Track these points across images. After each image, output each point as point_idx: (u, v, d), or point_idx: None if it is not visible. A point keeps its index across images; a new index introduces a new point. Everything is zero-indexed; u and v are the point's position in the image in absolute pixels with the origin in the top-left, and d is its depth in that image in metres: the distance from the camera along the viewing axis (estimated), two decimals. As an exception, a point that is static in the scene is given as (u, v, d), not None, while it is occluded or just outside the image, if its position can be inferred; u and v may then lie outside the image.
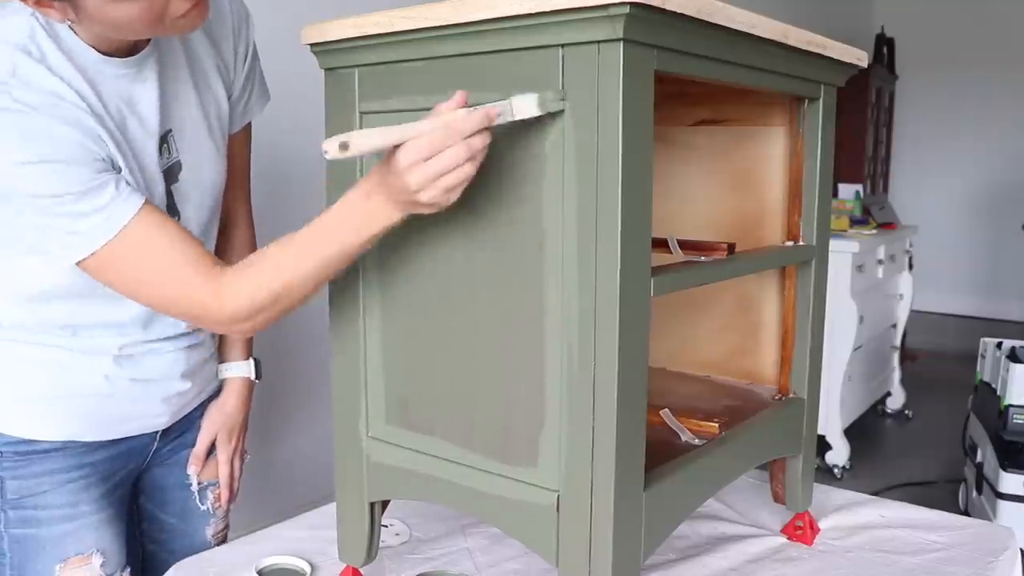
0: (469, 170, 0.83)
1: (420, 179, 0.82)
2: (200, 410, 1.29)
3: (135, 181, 1.01)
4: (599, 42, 0.77)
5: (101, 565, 1.13)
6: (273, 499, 2.13)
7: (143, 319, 1.12)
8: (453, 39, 0.87)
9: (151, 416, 1.18)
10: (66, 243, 0.94)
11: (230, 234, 1.31)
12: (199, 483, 1.29)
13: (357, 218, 0.90)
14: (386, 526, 1.26)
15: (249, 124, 1.26)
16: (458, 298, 0.93)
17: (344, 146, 0.80)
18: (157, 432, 1.21)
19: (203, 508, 1.30)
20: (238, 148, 1.25)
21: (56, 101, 0.93)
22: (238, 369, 1.30)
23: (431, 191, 0.83)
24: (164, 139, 1.07)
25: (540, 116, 0.82)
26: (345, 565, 1.11)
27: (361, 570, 1.11)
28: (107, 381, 1.12)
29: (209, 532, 1.32)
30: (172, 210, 1.10)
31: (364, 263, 1.01)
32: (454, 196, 0.85)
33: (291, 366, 2.23)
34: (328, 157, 0.81)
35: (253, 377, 1.32)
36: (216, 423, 1.29)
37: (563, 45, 0.80)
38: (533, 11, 0.78)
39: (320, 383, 2.25)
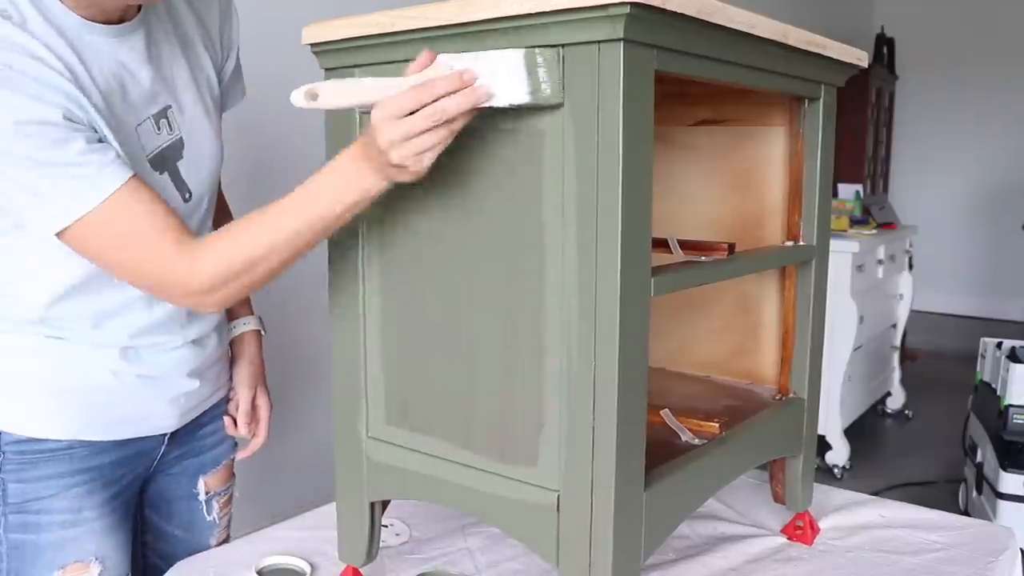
0: (444, 134, 0.82)
1: (392, 135, 0.81)
2: (209, 416, 1.27)
3: (121, 151, 0.98)
4: (599, 42, 0.77)
5: (100, 574, 1.11)
6: (273, 499, 2.13)
7: (139, 308, 1.10)
8: (454, 39, 0.87)
9: (158, 417, 1.16)
10: (46, 210, 0.92)
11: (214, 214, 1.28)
12: (206, 493, 1.28)
13: (334, 185, 0.90)
14: (386, 526, 1.26)
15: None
16: (458, 298, 0.93)
17: (312, 96, 0.80)
18: (164, 436, 1.20)
19: (209, 519, 1.29)
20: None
21: (37, 65, 0.91)
22: (250, 323, 1.33)
23: (402, 150, 0.82)
24: (164, 114, 1.06)
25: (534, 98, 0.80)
26: (345, 565, 1.11)
27: (361, 570, 1.11)
28: (114, 376, 1.10)
29: (213, 542, 1.31)
30: (182, 187, 1.09)
31: (364, 263, 1.01)
32: (427, 160, 0.84)
33: (291, 366, 2.23)
34: (297, 105, 0.80)
35: (263, 331, 1.35)
36: (251, 376, 1.30)
37: (563, 45, 0.80)
38: (534, 11, 0.78)
39: (320, 383, 2.25)
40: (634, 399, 0.84)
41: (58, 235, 0.94)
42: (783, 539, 1.24)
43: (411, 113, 0.81)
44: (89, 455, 1.10)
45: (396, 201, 0.97)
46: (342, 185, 0.89)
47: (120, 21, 1.01)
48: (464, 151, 0.90)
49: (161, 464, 1.23)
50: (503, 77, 0.80)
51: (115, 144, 0.97)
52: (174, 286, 0.98)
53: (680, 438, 1.06)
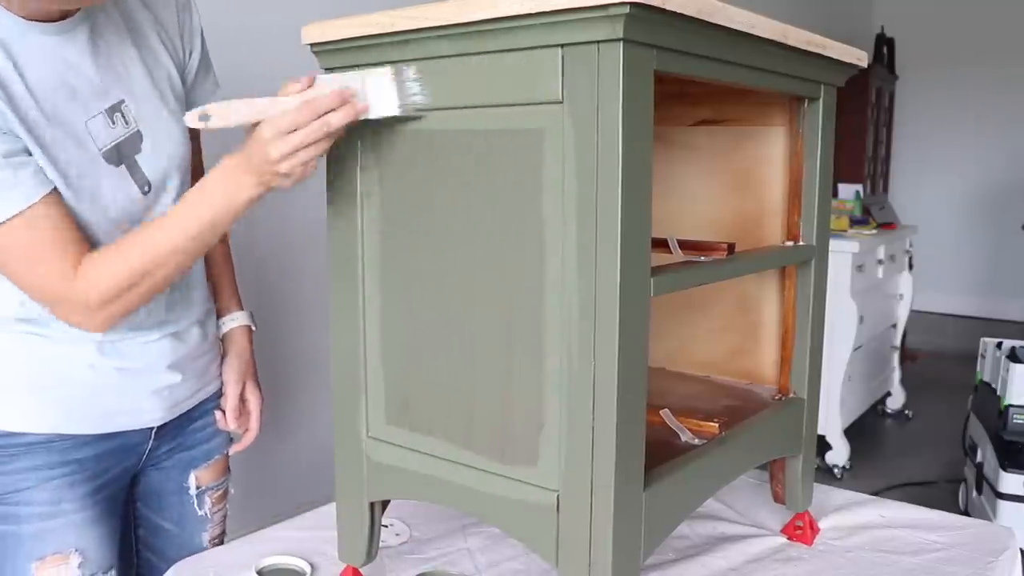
0: (325, 146, 0.93)
1: (282, 150, 0.90)
2: (200, 411, 1.28)
3: (61, 151, 1.01)
4: (599, 42, 0.77)
5: (79, 565, 1.12)
6: (273, 499, 2.13)
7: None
8: (454, 39, 0.87)
9: (142, 411, 1.17)
10: None
11: None
12: (197, 487, 1.29)
13: (220, 194, 0.98)
14: (386, 526, 1.26)
15: None
16: (458, 298, 0.93)
17: (204, 117, 0.86)
18: (151, 429, 1.20)
19: (201, 513, 1.30)
20: (193, 133, 1.23)
21: None
22: (237, 318, 1.34)
23: (290, 162, 0.91)
24: (117, 108, 1.07)
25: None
26: (345, 565, 1.11)
27: (361, 570, 1.11)
28: (92, 371, 1.11)
29: (206, 537, 1.31)
30: (140, 180, 1.10)
31: (364, 262, 1.01)
32: (310, 170, 0.94)
33: (291, 366, 2.23)
34: (189, 125, 0.88)
35: (254, 326, 1.36)
36: (238, 370, 1.31)
37: (563, 45, 0.80)
38: (533, 11, 0.78)
39: (320, 383, 2.25)
40: (634, 399, 0.84)
41: None
42: (783, 539, 1.24)
43: (296, 129, 0.90)
44: (70, 448, 1.11)
45: (396, 201, 0.97)
46: (225, 198, 0.98)
47: (62, 18, 1.02)
48: (464, 151, 0.90)
49: (151, 458, 1.23)
50: (376, 92, 0.92)
51: (49, 149, 0.99)
52: (71, 303, 1.02)
53: (680, 438, 1.06)
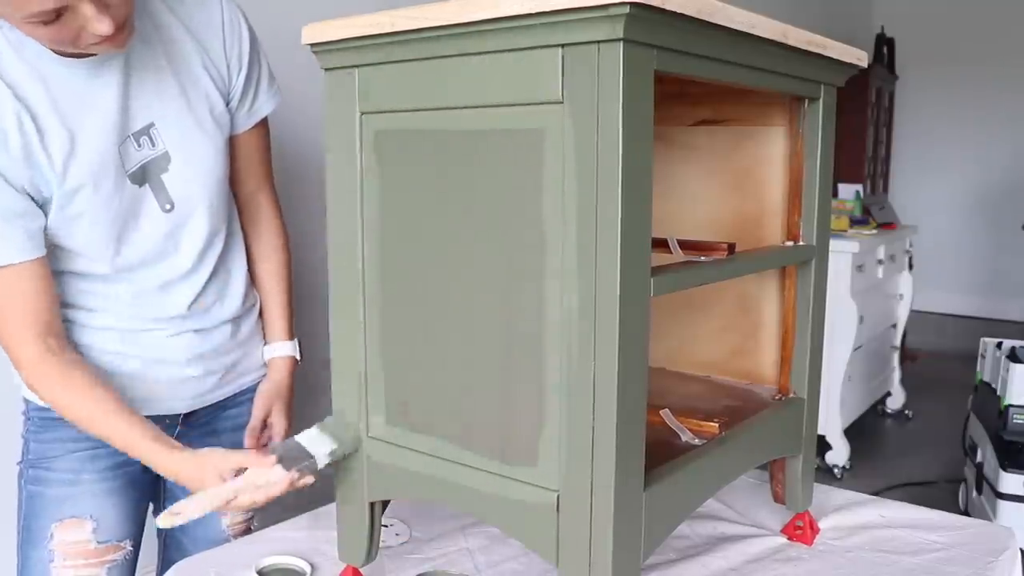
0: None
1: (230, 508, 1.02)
2: (235, 401, 1.34)
3: (84, 175, 1.08)
4: (599, 42, 0.77)
5: (93, 531, 1.21)
6: (273, 499, 2.12)
7: (142, 302, 1.20)
8: (454, 39, 0.87)
9: (164, 399, 1.24)
10: None
11: (256, 223, 1.36)
12: None
13: (159, 465, 1.11)
14: (386, 526, 1.26)
15: (264, 120, 1.31)
16: (458, 298, 0.93)
17: (176, 514, 0.96)
18: (178, 416, 1.27)
19: None
20: (255, 142, 1.31)
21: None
22: (283, 349, 1.37)
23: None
24: (146, 132, 1.13)
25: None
26: (345, 565, 1.11)
27: (361, 570, 1.11)
28: (116, 357, 1.20)
29: (225, 522, 1.36)
30: (163, 198, 1.16)
31: (364, 262, 1.01)
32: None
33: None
34: (160, 525, 0.96)
35: (298, 356, 1.39)
36: (267, 396, 1.34)
37: (563, 45, 0.80)
38: (534, 11, 0.78)
39: (320, 383, 2.25)
40: (634, 399, 0.84)
41: None
42: (783, 539, 1.24)
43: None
44: None
45: (396, 201, 0.97)
46: (155, 462, 1.11)
47: (96, 53, 1.06)
48: (464, 152, 0.90)
49: (181, 440, 1.25)
50: (317, 445, 1.02)
51: (73, 177, 1.07)
52: (18, 365, 1.12)
53: (680, 438, 1.06)
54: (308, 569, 1.14)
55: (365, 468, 1.04)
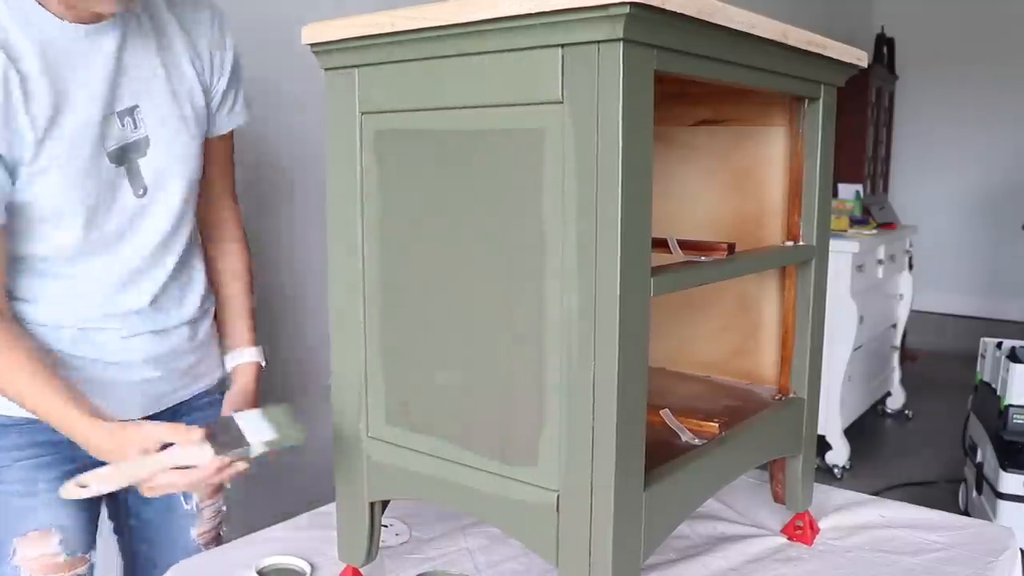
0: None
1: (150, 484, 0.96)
2: (188, 407, 1.29)
3: (64, 138, 1.05)
4: (599, 42, 0.77)
5: (60, 543, 1.15)
6: (273, 499, 2.13)
7: (100, 294, 1.16)
8: (454, 39, 0.87)
9: (118, 401, 1.17)
10: None
11: (219, 227, 1.34)
12: None
13: (74, 431, 1.03)
14: (386, 526, 1.26)
15: (231, 133, 1.30)
16: (458, 298, 0.93)
17: (83, 487, 0.90)
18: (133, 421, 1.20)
19: (187, 507, 1.31)
20: (225, 149, 1.30)
21: None
22: (248, 355, 1.33)
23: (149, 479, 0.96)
24: (130, 113, 1.12)
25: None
26: (345, 565, 1.11)
27: (361, 570, 1.11)
28: (68, 358, 1.14)
29: (194, 532, 1.32)
30: (137, 183, 1.14)
31: (365, 262, 1.01)
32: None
33: (291, 366, 2.23)
34: (64, 496, 0.91)
35: (263, 362, 1.35)
36: (237, 405, 1.30)
37: (563, 45, 0.80)
38: (534, 11, 0.78)
39: (319, 383, 2.25)
40: (634, 399, 0.84)
41: None
42: (783, 539, 1.24)
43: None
44: (45, 430, 1.12)
45: (396, 201, 0.97)
46: (73, 431, 1.03)
47: (96, 20, 1.07)
48: (464, 152, 0.90)
49: None
50: (254, 431, 0.98)
51: (55, 142, 1.04)
52: None
53: (680, 438, 1.06)
54: (308, 569, 1.14)
55: (365, 468, 1.04)
